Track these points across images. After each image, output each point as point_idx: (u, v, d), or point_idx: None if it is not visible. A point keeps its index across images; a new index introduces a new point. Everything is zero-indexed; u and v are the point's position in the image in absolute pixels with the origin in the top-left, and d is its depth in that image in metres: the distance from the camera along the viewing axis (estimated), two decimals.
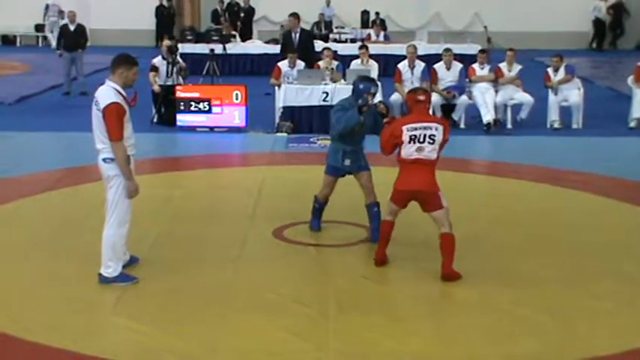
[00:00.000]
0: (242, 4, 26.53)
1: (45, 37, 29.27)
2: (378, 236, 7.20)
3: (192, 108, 13.37)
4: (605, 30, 28.74)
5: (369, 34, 23.14)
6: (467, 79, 14.15)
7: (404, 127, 6.79)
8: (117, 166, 6.38)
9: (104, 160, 6.45)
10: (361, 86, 7.55)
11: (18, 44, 29.58)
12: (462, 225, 7.95)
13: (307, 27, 24.97)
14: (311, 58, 14.80)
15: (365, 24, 26.69)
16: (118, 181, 6.43)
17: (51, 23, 28.54)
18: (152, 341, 5.53)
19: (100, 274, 6.55)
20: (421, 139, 6.76)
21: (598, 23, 28.52)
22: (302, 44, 15.12)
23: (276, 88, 13.95)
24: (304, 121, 13.36)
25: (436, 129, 6.81)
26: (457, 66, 14.12)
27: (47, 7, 28.37)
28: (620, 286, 6.63)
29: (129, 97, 6.49)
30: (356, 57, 15.24)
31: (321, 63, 14.27)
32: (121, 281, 6.52)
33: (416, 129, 6.77)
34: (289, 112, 13.37)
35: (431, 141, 6.77)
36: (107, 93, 6.35)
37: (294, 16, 15.32)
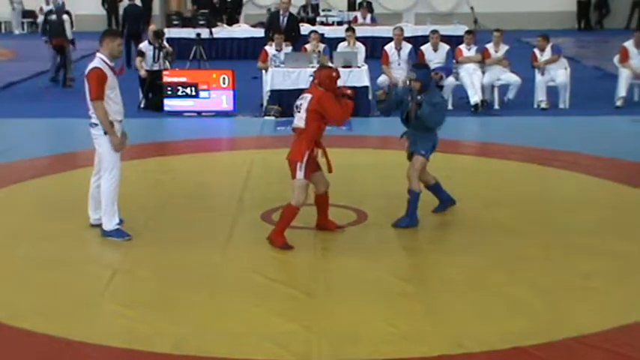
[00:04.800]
0: None
1: (31, 23, 29.17)
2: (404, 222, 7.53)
3: (179, 93, 13.33)
4: (590, 9, 28.76)
5: (355, 17, 23.06)
6: (454, 61, 14.15)
7: None
8: (102, 128, 7.06)
9: (90, 125, 7.18)
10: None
11: (3, 30, 29.39)
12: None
13: (294, 10, 24.98)
14: (296, 42, 14.77)
15: (352, 6, 26.57)
16: (103, 140, 7.11)
17: (15, 9, 28.68)
18: (142, 326, 5.53)
19: (102, 228, 7.22)
20: (298, 109, 7.17)
21: (583, 3, 28.54)
22: (289, 29, 15.14)
23: (264, 71, 13.92)
24: (292, 104, 13.25)
25: (305, 98, 7.11)
26: (444, 47, 14.12)
27: None
28: (608, 264, 6.67)
29: (116, 68, 7.23)
30: (343, 40, 15.20)
31: (308, 46, 14.23)
32: (116, 236, 7.16)
33: (299, 98, 7.25)
34: (277, 95, 13.35)
35: (299, 110, 7.11)
36: (93, 61, 7.13)
37: None
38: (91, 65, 7.11)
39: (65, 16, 17.02)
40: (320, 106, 7.03)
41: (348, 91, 7.39)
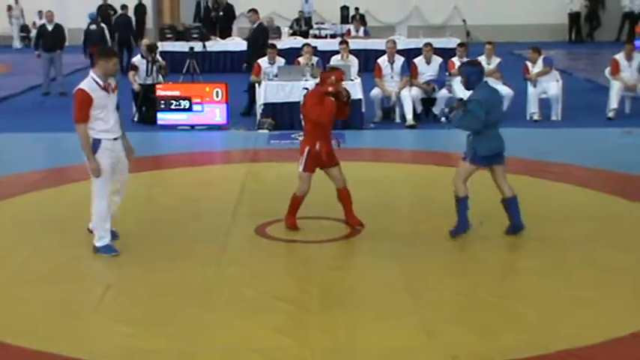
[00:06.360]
0: None
1: (24, 37, 29.20)
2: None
3: (172, 106, 13.34)
4: (581, 22, 28.92)
5: (348, 30, 23.15)
6: (446, 73, 14.20)
7: None
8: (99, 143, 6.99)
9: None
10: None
11: None
12: (445, 218, 8.00)
13: (287, 23, 25.07)
14: (257, 53, 14.87)
15: (344, 19, 26.72)
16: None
17: (14, 23, 28.74)
18: (136, 341, 5.52)
19: (94, 245, 7.21)
20: None
21: (574, 15, 28.71)
22: (252, 39, 15.40)
23: (257, 85, 13.95)
24: (285, 117, 13.35)
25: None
26: (437, 60, 14.16)
27: (9, 7, 28.55)
28: (601, 275, 6.69)
29: (111, 85, 7.06)
30: (336, 52, 15.25)
31: (301, 59, 14.27)
32: (104, 252, 7.14)
33: None
34: (270, 108, 13.36)
35: None
36: (84, 81, 7.01)
37: (253, 11, 15.81)
38: (79, 85, 7.01)
39: (103, 25, 18.33)
40: (303, 107, 7.72)
41: (330, 89, 7.59)
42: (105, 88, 7.00)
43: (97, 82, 6.97)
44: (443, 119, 7.75)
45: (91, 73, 7.05)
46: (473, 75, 7.52)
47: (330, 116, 7.65)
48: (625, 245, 7.46)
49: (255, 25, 15.77)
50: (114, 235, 7.34)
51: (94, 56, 7.28)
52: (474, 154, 7.53)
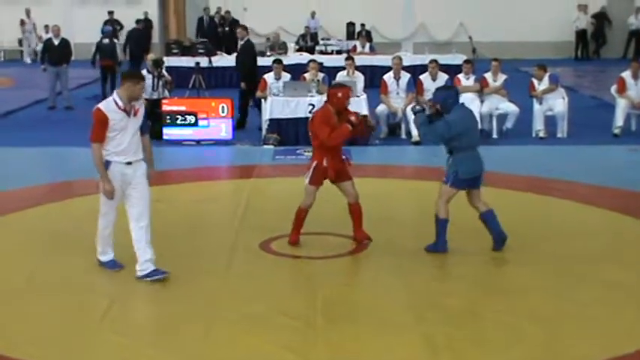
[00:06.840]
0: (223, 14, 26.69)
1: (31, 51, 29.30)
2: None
3: (178, 121, 13.37)
4: (587, 39, 28.97)
5: (354, 46, 23.19)
6: None
7: None
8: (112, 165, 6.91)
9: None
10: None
11: (2, 59, 29.51)
12: (450, 233, 7.98)
13: (293, 39, 25.16)
14: (243, 73, 15.08)
15: (350, 35, 26.81)
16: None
17: (26, 38, 28.80)
18: (140, 356, 5.51)
19: (98, 260, 7.24)
20: None
21: (580, 33, 28.76)
22: (238, 57, 15.56)
23: (263, 100, 13.97)
24: (291, 133, 13.37)
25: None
26: (443, 77, 14.13)
27: (22, 22, 28.63)
28: (605, 293, 6.66)
29: (133, 108, 6.91)
30: (342, 68, 15.26)
31: (307, 75, 14.29)
32: (109, 267, 7.17)
33: None
34: (275, 124, 13.38)
35: None
36: (104, 101, 7.02)
37: (242, 27, 16.19)
38: (99, 105, 6.91)
39: (115, 40, 18.81)
40: (311, 124, 7.69)
41: (352, 118, 7.54)
42: (125, 110, 6.82)
43: (116, 103, 6.81)
44: (413, 107, 7.97)
45: (114, 95, 6.90)
46: (449, 99, 7.57)
47: (341, 142, 7.72)
48: (630, 262, 7.44)
49: (243, 42, 15.79)
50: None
51: (121, 78, 7.02)
52: (455, 176, 7.55)
